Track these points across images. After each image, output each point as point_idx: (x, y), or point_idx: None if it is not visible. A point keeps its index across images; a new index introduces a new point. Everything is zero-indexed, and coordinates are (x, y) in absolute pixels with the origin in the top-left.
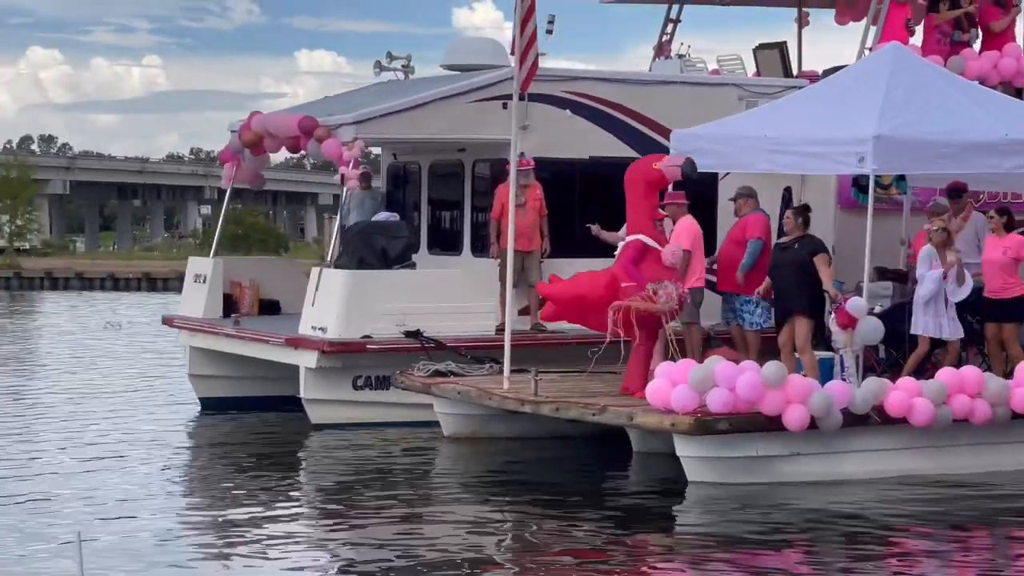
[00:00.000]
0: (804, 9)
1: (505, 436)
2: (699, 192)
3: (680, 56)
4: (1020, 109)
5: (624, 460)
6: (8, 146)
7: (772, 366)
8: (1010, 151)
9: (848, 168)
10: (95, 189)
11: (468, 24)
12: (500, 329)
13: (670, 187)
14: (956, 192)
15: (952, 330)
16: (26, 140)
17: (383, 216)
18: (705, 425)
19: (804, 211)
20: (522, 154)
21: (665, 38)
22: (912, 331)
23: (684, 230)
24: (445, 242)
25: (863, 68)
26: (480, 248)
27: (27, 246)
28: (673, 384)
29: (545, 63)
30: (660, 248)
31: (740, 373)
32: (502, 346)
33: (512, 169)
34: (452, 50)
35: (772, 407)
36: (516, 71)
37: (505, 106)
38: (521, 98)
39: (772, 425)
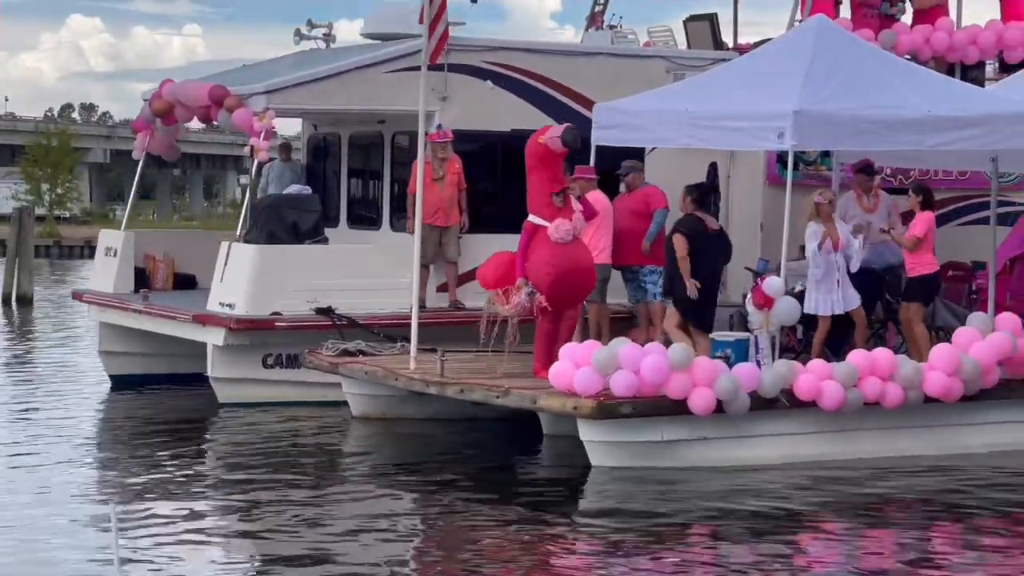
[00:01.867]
0: None
1: (416, 417)
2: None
3: (611, 27)
4: (946, 85)
5: (536, 443)
6: (49, 114)
7: (678, 348)
8: (933, 128)
9: (768, 144)
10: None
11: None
12: (420, 306)
13: (592, 160)
14: (866, 169)
15: (847, 302)
16: (67, 108)
17: (295, 189)
18: (608, 409)
19: (694, 189)
20: (439, 126)
21: (598, 8)
22: (806, 310)
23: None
24: (365, 216)
25: (786, 42)
26: (400, 222)
27: (67, 214)
28: (576, 366)
29: (466, 32)
30: (548, 224)
31: (645, 355)
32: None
33: (420, 142)
34: (372, 18)
35: (677, 390)
36: (425, 41)
37: None
38: (439, 68)
39: (678, 409)
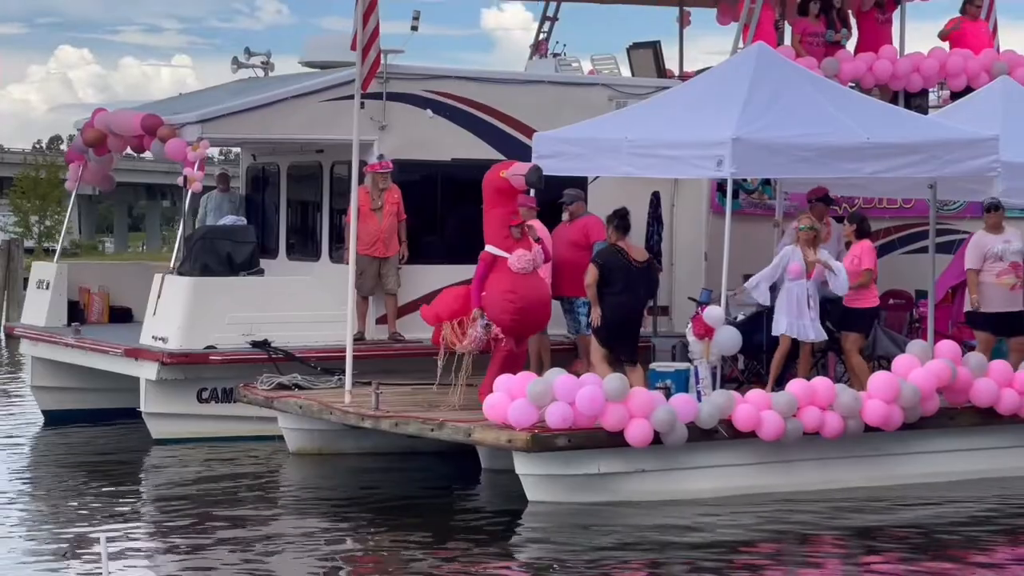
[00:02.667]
0: (685, 9)
1: (354, 452)
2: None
3: (555, 55)
4: (885, 112)
5: (476, 476)
6: (38, 146)
7: (614, 379)
8: (872, 155)
9: (707, 172)
10: (124, 189)
11: (496, 25)
12: (357, 338)
13: (532, 191)
14: (825, 198)
15: (814, 333)
16: (55, 140)
17: (229, 220)
18: (543, 441)
19: (614, 217)
20: (381, 156)
21: (542, 36)
22: (773, 332)
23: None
24: (303, 247)
25: (726, 69)
26: (339, 254)
27: (56, 247)
28: (511, 398)
29: (451, 62)
30: (508, 255)
31: (580, 386)
32: (358, 356)
33: (353, 171)
34: (310, 46)
35: (614, 422)
36: (358, 68)
37: (362, 105)
38: (378, 97)
39: (614, 441)
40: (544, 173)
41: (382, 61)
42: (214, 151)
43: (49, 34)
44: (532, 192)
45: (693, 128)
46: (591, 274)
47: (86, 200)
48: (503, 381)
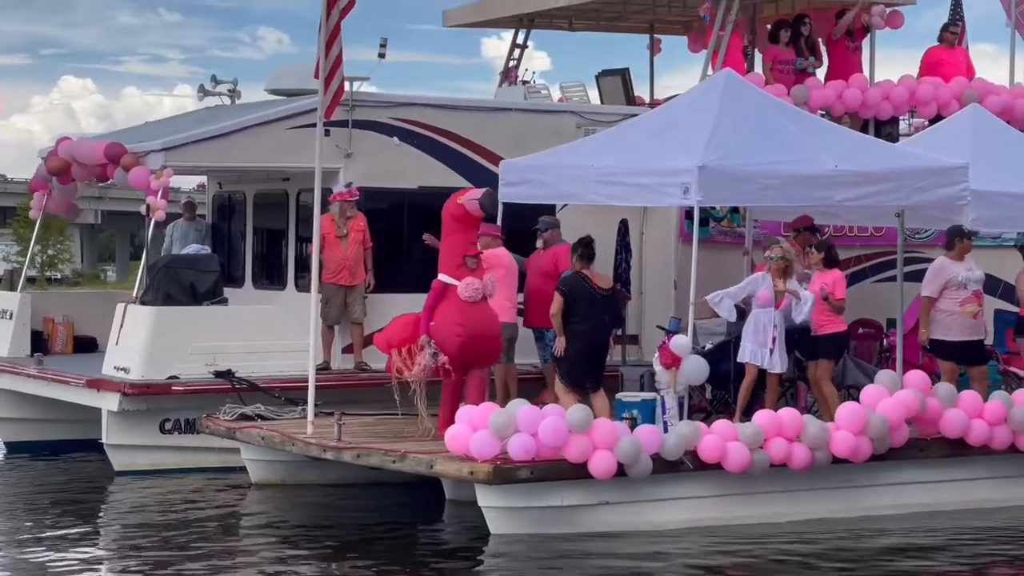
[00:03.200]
0: (656, 36)
1: (318, 483)
2: (535, 224)
3: (524, 83)
4: (854, 140)
5: (439, 508)
6: None
7: (577, 410)
8: (841, 183)
9: (673, 199)
10: (127, 218)
11: (496, 54)
12: (322, 368)
13: (498, 219)
14: (810, 227)
15: (779, 363)
16: None
17: (193, 249)
18: (505, 473)
19: (579, 245)
20: (349, 184)
21: (512, 63)
22: (739, 358)
23: (486, 262)
24: (270, 276)
25: (693, 97)
26: (305, 282)
27: (59, 276)
28: (473, 429)
29: (456, 91)
30: (458, 283)
31: (543, 417)
32: (323, 386)
33: (316, 199)
34: (276, 74)
35: (577, 453)
36: (320, 95)
37: (328, 133)
38: (344, 124)
39: (577, 472)
40: (511, 201)
41: (348, 88)
42: (191, 180)
43: (52, 65)
44: (499, 220)
45: (660, 156)
46: (556, 303)
47: (88, 229)
48: (465, 412)
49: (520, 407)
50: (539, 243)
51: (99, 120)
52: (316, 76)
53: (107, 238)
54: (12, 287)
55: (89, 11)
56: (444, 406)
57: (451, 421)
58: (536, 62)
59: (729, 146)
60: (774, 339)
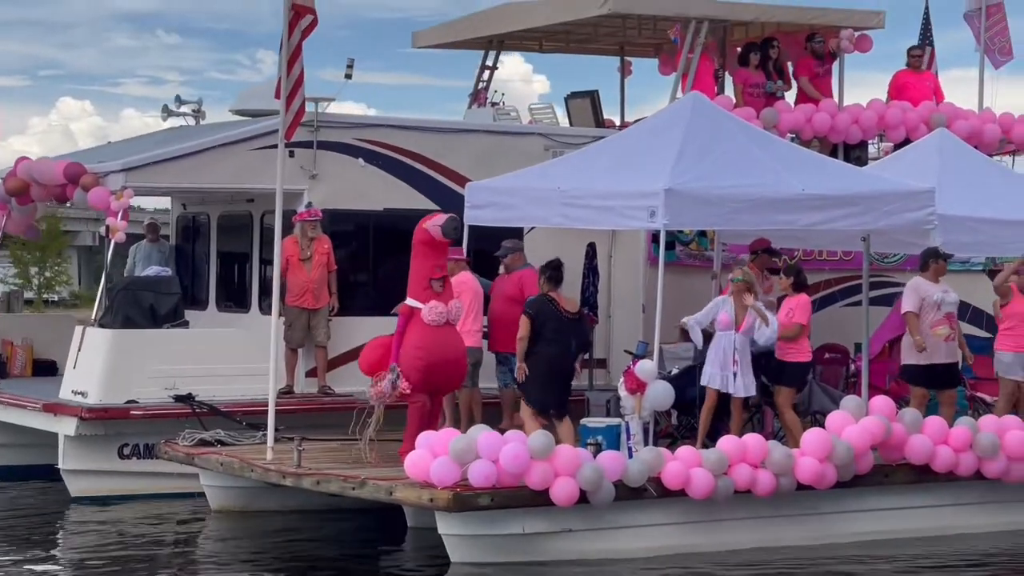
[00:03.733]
0: (626, 59)
1: (279, 510)
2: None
3: (493, 104)
4: (821, 164)
5: (401, 535)
6: None
7: (539, 436)
8: (807, 207)
9: (639, 223)
10: (125, 240)
11: (495, 76)
12: (285, 392)
13: (464, 240)
14: (769, 249)
15: (743, 387)
16: None
17: (153, 271)
18: (465, 500)
19: (547, 267)
20: (309, 204)
21: (481, 85)
22: (701, 382)
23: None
24: (234, 298)
25: (660, 119)
26: (270, 305)
27: (56, 298)
28: (433, 455)
29: (406, 112)
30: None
31: (504, 443)
32: (285, 411)
33: (277, 221)
34: (242, 95)
35: (538, 480)
36: (281, 117)
37: (292, 154)
38: (308, 145)
39: (539, 500)
40: (477, 224)
41: (316, 109)
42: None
43: (51, 86)
44: (465, 242)
45: (626, 178)
46: (523, 326)
47: (86, 251)
48: (425, 437)
49: (481, 433)
50: (501, 268)
51: (97, 142)
52: (277, 96)
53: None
54: (10, 309)
55: (87, 33)
56: (408, 431)
57: (407, 445)
58: (537, 85)
59: (696, 169)
60: (735, 362)
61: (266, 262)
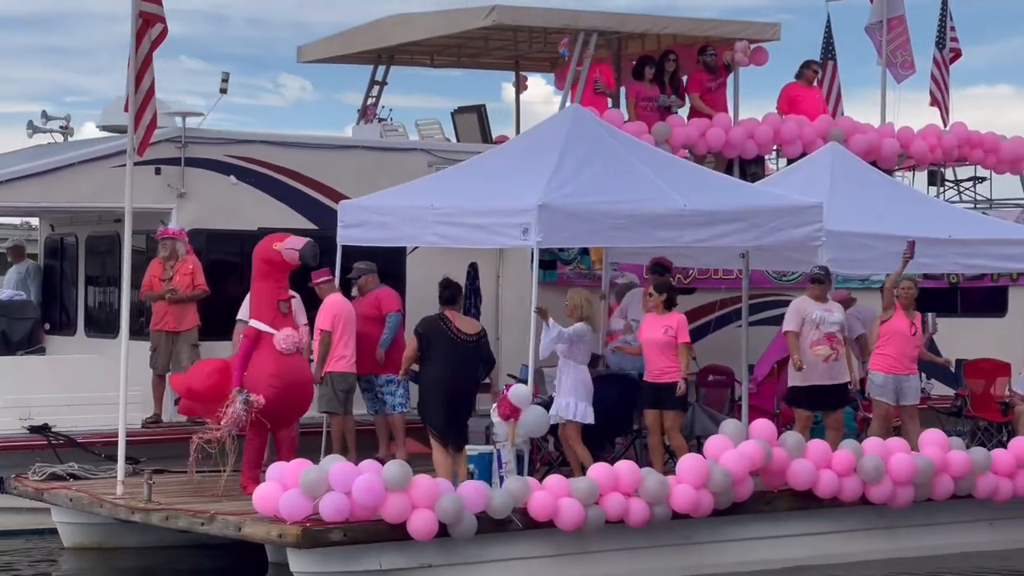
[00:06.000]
0: (522, 73)
1: (137, 546)
2: (384, 268)
3: (380, 120)
4: (707, 179)
5: (262, 571)
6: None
7: (394, 466)
8: (690, 223)
9: (513, 241)
10: None
11: (510, 97)
12: (152, 421)
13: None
14: (656, 268)
15: (581, 412)
16: None
17: (7, 294)
18: (315, 536)
19: (439, 286)
20: (162, 222)
21: (370, 101)
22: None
23: (324, 310)
24: (101, 323)
25: (539, 133)
26: (138, 330)
27: None
28: (284, 488)
29: (211, 124)
30: (275, 332)
31: (358, 475)
32: (147, 441)
33: (125, 243)
34: (109, 109)
35: (395, 513)
36: (130, 132)
37: (159, 171)
38: (176, 162)
39: (396, 534)
40: (350, 244)
41: (182, 124)
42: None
43: (74, 112)
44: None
45: (500, 194)
46: (409, 345)
47: None
48: (276, 469)
49: (333, 463)
50: (354, 291)
51: None
52: (125, 110)
53: None
54: None
55: (111, 59)
56: (248, 461)
57: (253, 475)
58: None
59: (571, 184)
60: (573, 386)
61: (134, 285)
